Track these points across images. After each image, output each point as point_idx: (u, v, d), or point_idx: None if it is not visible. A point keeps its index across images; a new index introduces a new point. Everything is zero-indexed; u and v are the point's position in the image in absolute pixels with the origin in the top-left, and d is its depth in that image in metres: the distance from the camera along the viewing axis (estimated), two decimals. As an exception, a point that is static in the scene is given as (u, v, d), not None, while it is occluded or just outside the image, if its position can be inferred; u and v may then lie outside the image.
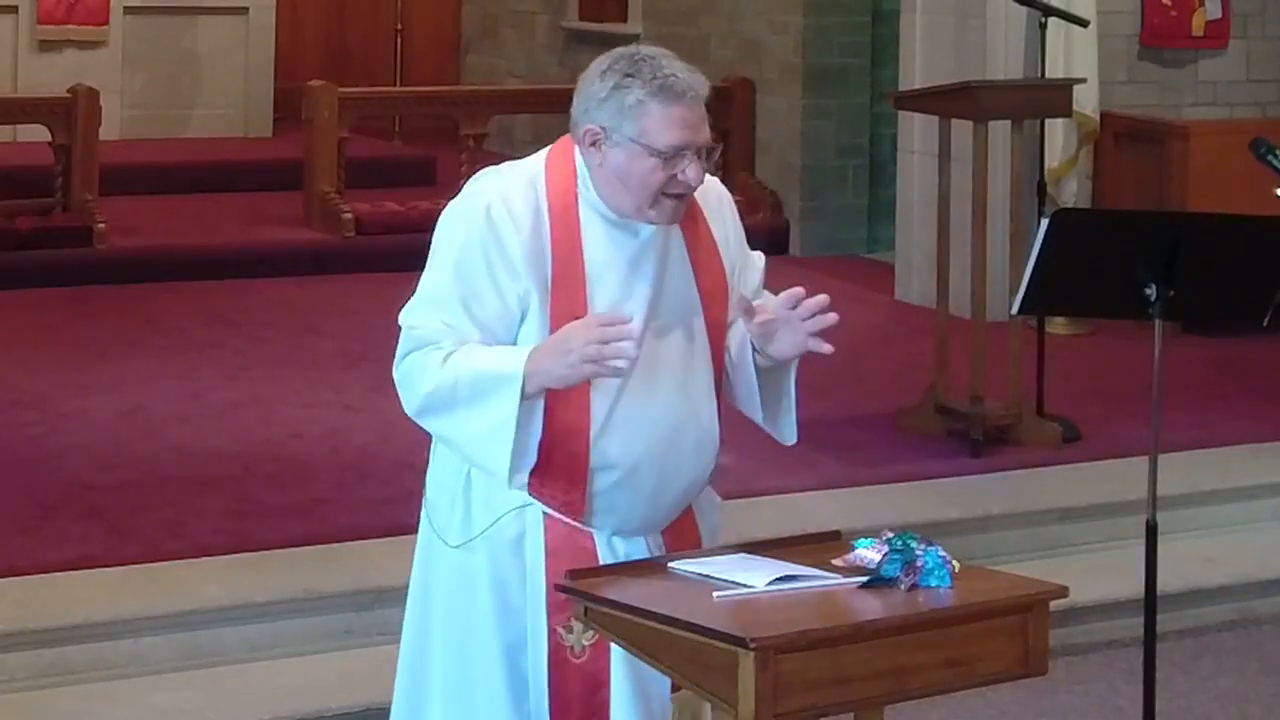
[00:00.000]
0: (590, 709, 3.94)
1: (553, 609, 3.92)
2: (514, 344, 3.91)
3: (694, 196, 3.97)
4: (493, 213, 3.92)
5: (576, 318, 3.87)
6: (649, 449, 3.95)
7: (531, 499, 3.97)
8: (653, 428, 3.95)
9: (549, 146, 4.07)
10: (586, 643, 3.92)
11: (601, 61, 3.95)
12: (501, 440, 3.85)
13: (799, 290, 3.93)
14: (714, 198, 4.08)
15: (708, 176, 3.97)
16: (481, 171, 4.05)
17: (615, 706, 3.93)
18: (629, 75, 3.88)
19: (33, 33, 12.66)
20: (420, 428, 4.02)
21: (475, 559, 3.97)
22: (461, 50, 14.92)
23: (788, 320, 3.94)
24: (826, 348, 3.94)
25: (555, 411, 3.91)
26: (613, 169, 3.91)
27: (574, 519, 3.96)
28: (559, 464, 3.94)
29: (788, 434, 4.13)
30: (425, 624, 4.08)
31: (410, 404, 3.95)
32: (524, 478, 3.94)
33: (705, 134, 3.91)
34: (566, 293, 3.91)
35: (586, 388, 3.89)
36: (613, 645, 3.84)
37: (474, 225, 3.92)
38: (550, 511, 3.96)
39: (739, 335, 4.05)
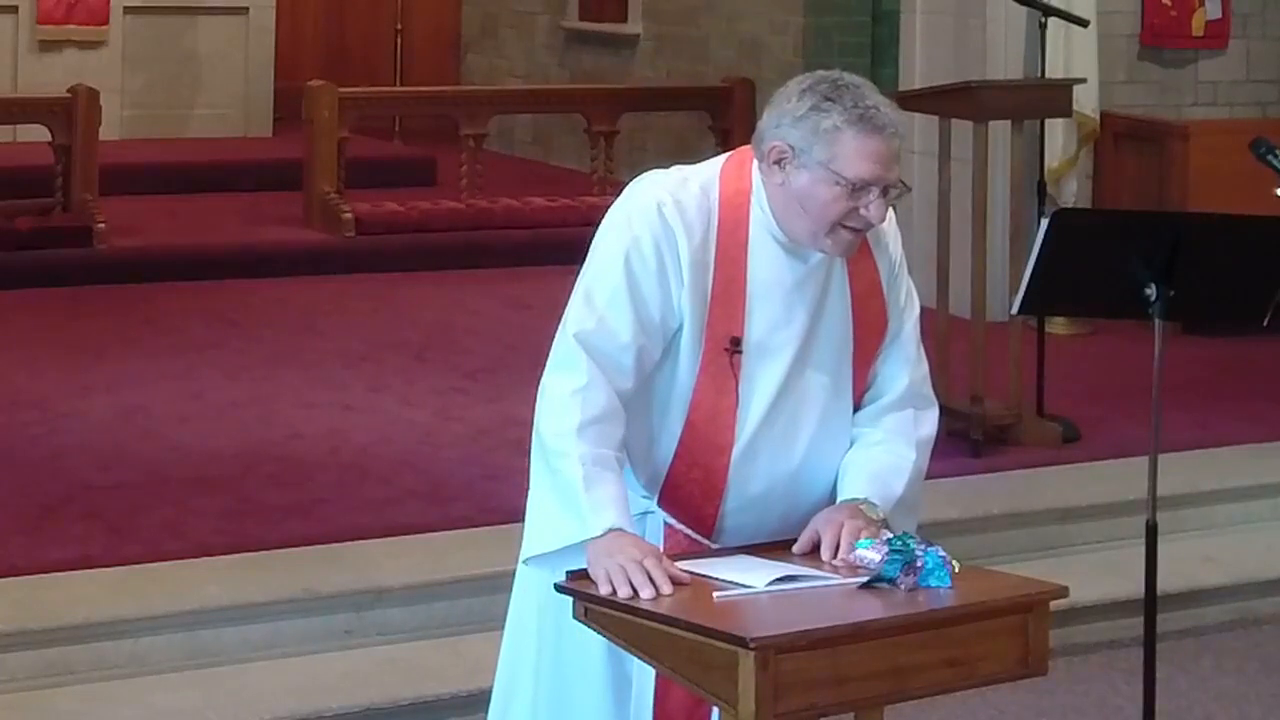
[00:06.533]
0: None
1: None
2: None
3: None
4: (665, 211, 3.81)
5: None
6: (786, 475, 3.90)
7: (655, 508, 3.91)
8: (793, 454, 3.90)
9: (724, 155, 3.97)
10: None
11: (802, 80, 3.83)
12: (549, 541, 3.77)
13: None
14: (883, 226, 3.91)
15: None
16: (647, 173, 3.92)
17: None
18: (829, 99, 3.76)
19: (33, 33, 12.66)
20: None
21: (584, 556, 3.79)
22: (461, 50, 14.92)
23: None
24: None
25: (700, 427, 3.86)
26: (794, 191, 3.79)
27: (703, 535, 3.90)
28: (696, 480, 3.88)
29: None
30: (524, 608, 3.99)
31: (536, 422, 3.82)
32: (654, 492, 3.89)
33: (895, 173, 3.79)
34: (726, 310, 3.82)
35: (734, 406, 3.84)
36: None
37: (647, 221, 3.81)
38: (672, 522, 3.90)
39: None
